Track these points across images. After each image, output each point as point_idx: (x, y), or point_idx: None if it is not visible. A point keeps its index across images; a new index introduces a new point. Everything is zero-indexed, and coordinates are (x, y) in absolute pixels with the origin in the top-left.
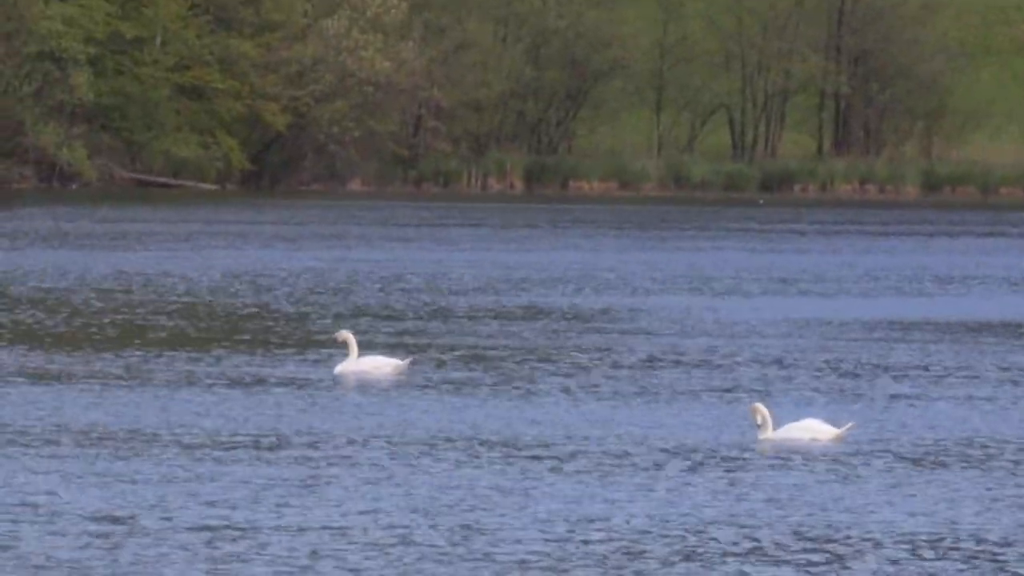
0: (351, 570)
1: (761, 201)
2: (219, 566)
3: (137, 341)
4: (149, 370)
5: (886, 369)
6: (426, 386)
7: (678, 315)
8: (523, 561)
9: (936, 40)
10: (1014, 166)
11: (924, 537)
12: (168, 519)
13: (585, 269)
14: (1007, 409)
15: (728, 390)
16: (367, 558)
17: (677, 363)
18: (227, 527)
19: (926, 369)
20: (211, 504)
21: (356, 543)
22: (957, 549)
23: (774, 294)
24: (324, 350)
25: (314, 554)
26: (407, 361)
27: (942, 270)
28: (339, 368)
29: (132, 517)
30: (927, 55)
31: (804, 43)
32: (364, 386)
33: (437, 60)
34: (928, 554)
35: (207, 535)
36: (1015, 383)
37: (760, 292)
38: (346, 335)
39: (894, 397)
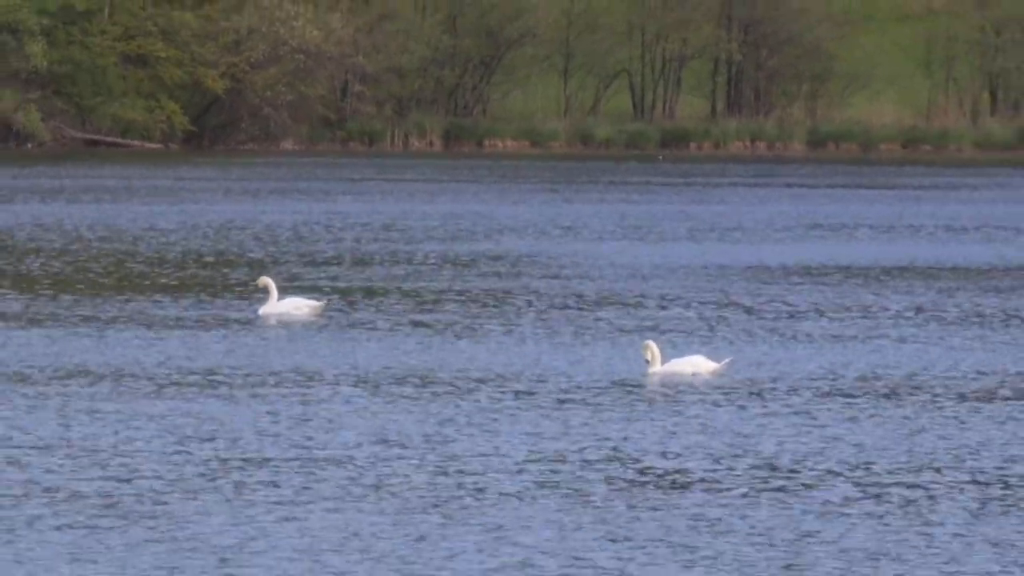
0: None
1: (661, 157)
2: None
3: (80, 285)
4: (86, 312)
5: (766, 308)
6: (339, 325)
7: (583, 260)
8: (425, 488)
9: (821, 9)
10: (892, 125)
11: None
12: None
13: (496, 219)
14: (870, 345)
15: (624, 329)
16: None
17: (581, 304)
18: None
19: (803, 309)
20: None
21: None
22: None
23: (673, 241)
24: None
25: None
26: (323, 303)
27: (823, 218)
28: (262, 309)
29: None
30: (812, 23)
31: (699, 13)
32: (283, 324)
33: (362, 30)
34: (781, 473)
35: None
36: (887, 322)
37: (659, 239)
38: (266, 280)
39: (773, 335)
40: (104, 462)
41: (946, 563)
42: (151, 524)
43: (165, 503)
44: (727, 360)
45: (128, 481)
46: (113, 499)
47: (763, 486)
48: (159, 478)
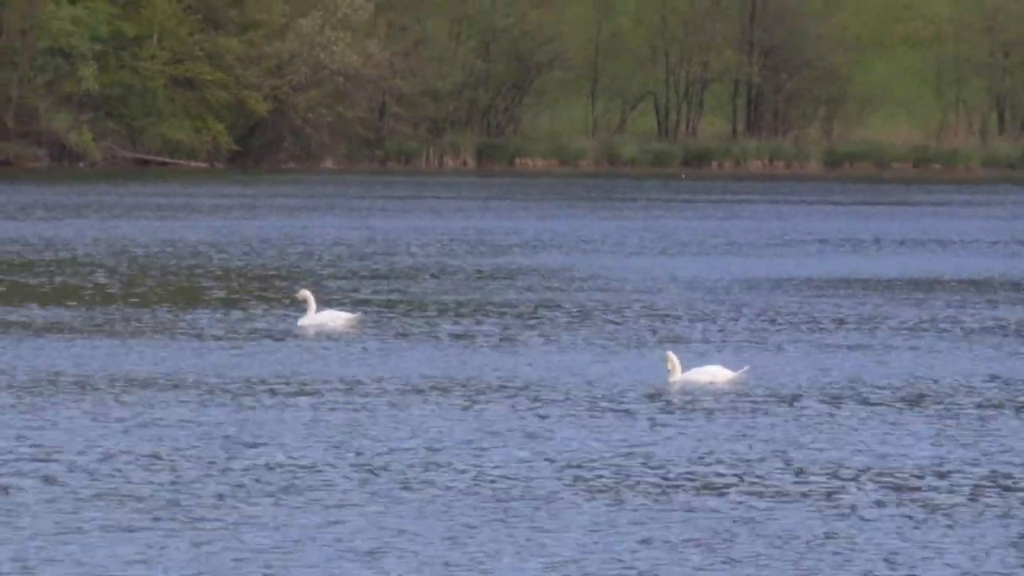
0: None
1: (683, 176)
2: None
3: (131, 298)
4: (140, 321)
5: (787, 319)
6: (375, 336)
7: (610, 274)
8: (452, 490)
9: (837, 35)
10: (904, 145)
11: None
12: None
13: (527, 234)
14: (889, 356)
15: (649, 339)
16: (343, 484)
17: (608, 315)
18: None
19: (820, 320)
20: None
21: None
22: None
23: (696, 255)
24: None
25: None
26: (357, 315)
27: (839, 234)
28: (301, 321)
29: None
30: (829, 49)
31: (720, 38)
32: (321, 336)
33: (399, 54)
34: (786, 478)
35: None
36: (901, 333)
37: (682, 254)
38: (306, 293)
39: (790, 344)
40: (155, 467)
41: (971, 568)
42: (202, 527)
43: (215, 507)
44: (744, 369)
45: (178, 485)
46: (163, 502)
47: (781, 490)
48: (206, 483)
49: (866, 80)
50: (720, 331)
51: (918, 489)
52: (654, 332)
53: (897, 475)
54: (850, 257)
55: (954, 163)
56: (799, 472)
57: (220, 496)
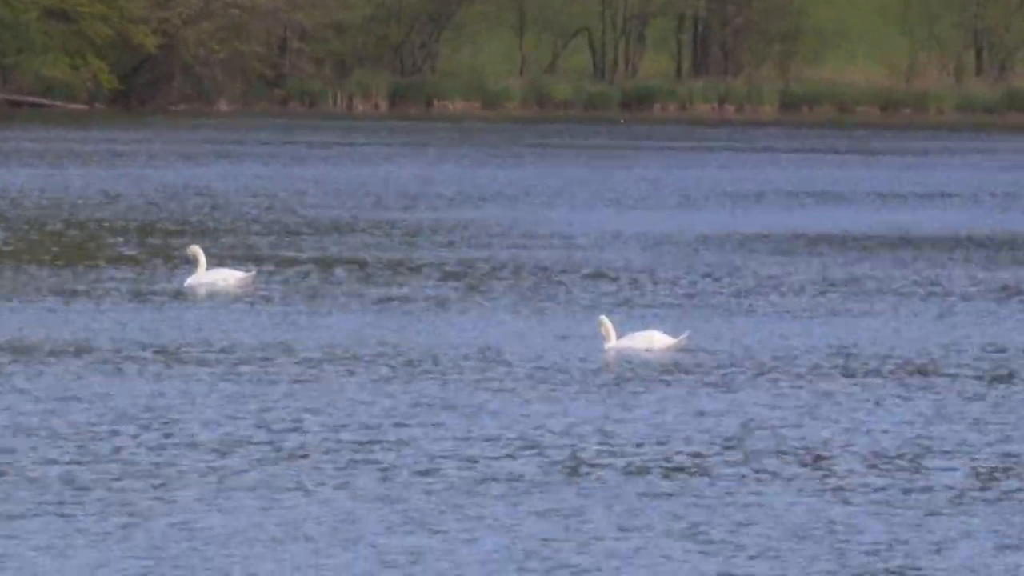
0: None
1: (623, 120)
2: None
3: (3, 256)
4: (11, 281)
5: (738, 280)
6: (269, 298)
7: (539, 229)
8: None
9: None
10: (869, 87)
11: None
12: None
13: (445, 185)
14: (842, 319)
15: (583, 302)
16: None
17: (536, 276)
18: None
19: (772, 280)
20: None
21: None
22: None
23: (637, 208)
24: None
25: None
26: (251, 273)
27: (796, 185)
28: (188, 280)
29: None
30: None
31: None
32: (212, 296)
33: None
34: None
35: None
36: (867, 296)
37: (621, 207)
38: (195, 249)
39: (740, 308)
40: (44, 443)
41: (950, 549)
42: (111, 514)
43: (121, 490)
44: (684, 335)
45: (51, 463)
46: (63, 483)
47: (723, 468)
48: (76, 459)
49: (824, 14)
50: (665, 293)
51: (875, 467)
52: (590, 294)
53: (843, 451)
54: (811, 211)
55: (924, 106)
56: (732, 447)
57: (120, 478)
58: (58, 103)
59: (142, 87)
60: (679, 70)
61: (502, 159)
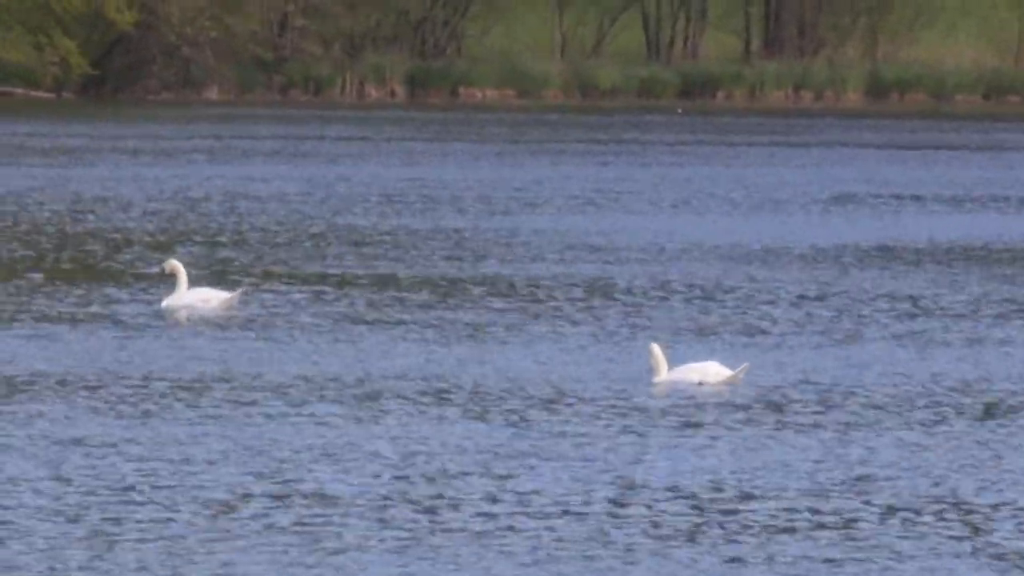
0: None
1: (680, 110)
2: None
3: None
4: None
5: (806, 300)
6: (253, 321)
7: (579, 239)
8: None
9: None
10: (971, 68)
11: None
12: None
13: (472, 186)
14: (933, 350)
15: (628, 326)
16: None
17: (575, 295)
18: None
19: (851, 300)
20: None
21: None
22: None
23: (695, 214)
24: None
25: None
26: (237, 293)
27: (884, 186)
28: (166, 302)
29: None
30: None
31: None
32: (191, 322)
33: None
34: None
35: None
36: (953, 319)
37: (676, 213)
38: (175, 265)
39: (808, 334)
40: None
41: None
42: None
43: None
44: (742, 367)
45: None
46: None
47: (785, 522)
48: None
49: None
50: (728, 315)
51: (948, 520)
52: (640, 316)
53: (919, 502)
54: (902, 218)
55: None
56: (793, 499)
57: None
58: (18, 90)
59: (118, 72)
60: (747, 50)
61: (541, 157)
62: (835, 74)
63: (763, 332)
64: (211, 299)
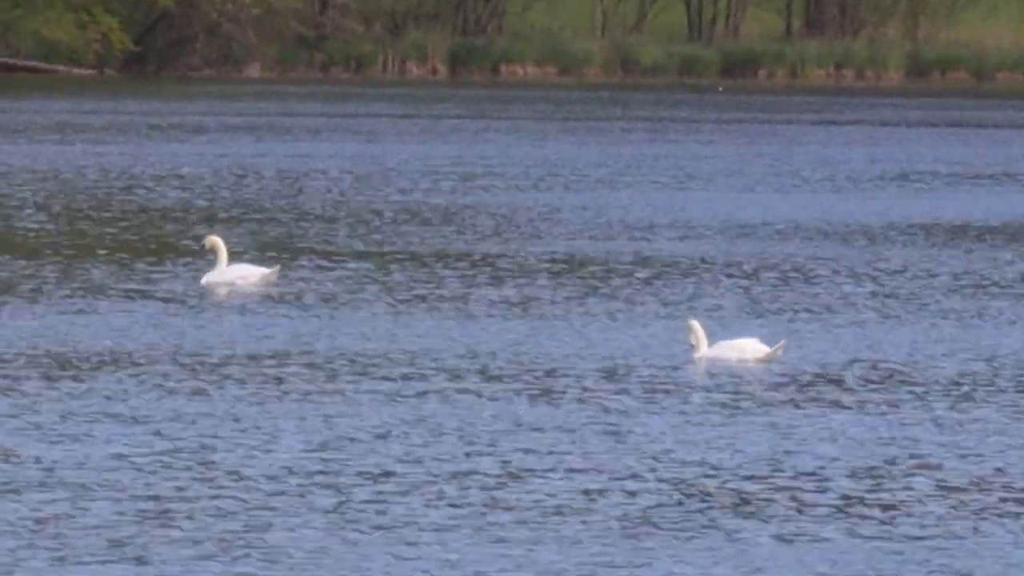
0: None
1: (721, 88)
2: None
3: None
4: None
5: (847, 277)
6: (292, 297)
7: (621, 217)
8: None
9: None
10: (1012, 48)
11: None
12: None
13: (512, 164)
14: (977, 326)
15: (669, 302)
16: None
17: (614, 271)
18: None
19: (892, 278)
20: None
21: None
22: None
23: (737, 192)
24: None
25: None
26: (274, 270)
27: (925, 165)
28: (206, 278)
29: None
30: None
31: None
32: (230, 299)
33: None
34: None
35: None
36: (992, 297)
37: (718, 190)
38: (215, 241)
39: (846, 310)
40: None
41: None
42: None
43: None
44: (779, 344)
45: (44, 488)
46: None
47: (833, 504)
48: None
49: None
50: (770, 292)
51: (995, 498)
52: (678, 293)
53: (965, 481)
54: (941, 196)
55: None
56: (832, 483)
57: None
58: (61, 68)
59: (160, 49)
60: (788, 29)
61: (582, 134)
62: (876, 53)
63: (806, 310)
64: (250, 275)
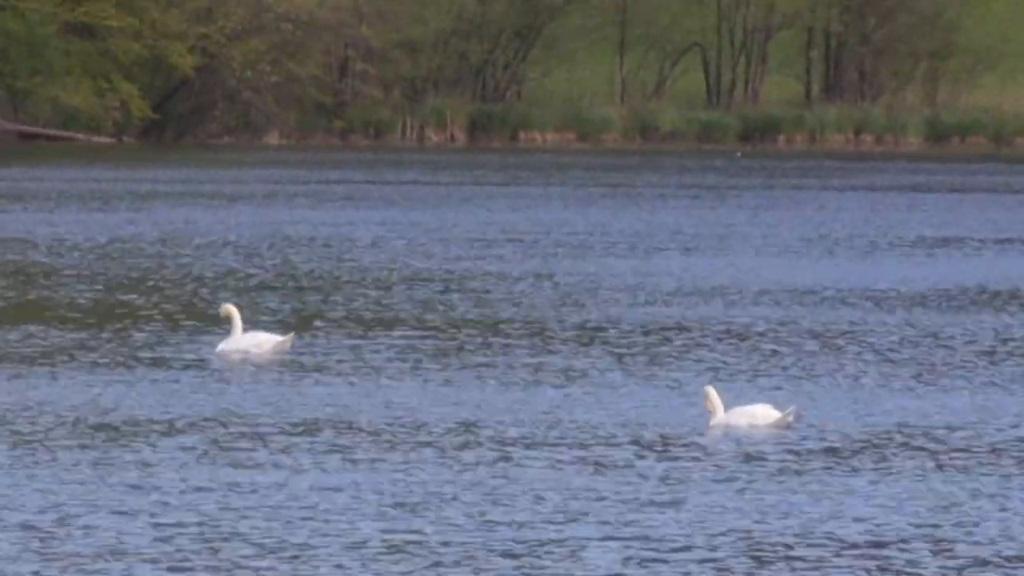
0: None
1: (740, 153)
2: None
3: (7, 316)
4: (20, 350)
5: (864, 343)
6: (304, 367)
7: (640, 282)
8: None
9: None
10: None
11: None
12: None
13: (530, 231)
14: (992, 393)
15: (685, 368)
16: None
17: (632, 337)
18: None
19: (909, 344)
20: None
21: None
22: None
23: (756, 256)
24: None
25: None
26: (288, 337)
27: (944, 230)
28: (220, 346)
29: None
30: None
31: None
32: (242, 367)
33: None
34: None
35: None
36: (1009, 362)
37: (737, 255)
38: (230, 309)
39: (855, 376)
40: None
41: None
42: None
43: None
44: (790, 409)
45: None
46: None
47: (845, 567)
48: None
49: (980, 28)
50: (788, 359)
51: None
52: (694, 359)
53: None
54: (960, 260)
55: None
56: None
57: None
58: (80, 135)
59: (179, 117)
60: (808, 94)
61: (603, 200)
62: (895, 119)
63: (823, 375)
64: (264, 343)
